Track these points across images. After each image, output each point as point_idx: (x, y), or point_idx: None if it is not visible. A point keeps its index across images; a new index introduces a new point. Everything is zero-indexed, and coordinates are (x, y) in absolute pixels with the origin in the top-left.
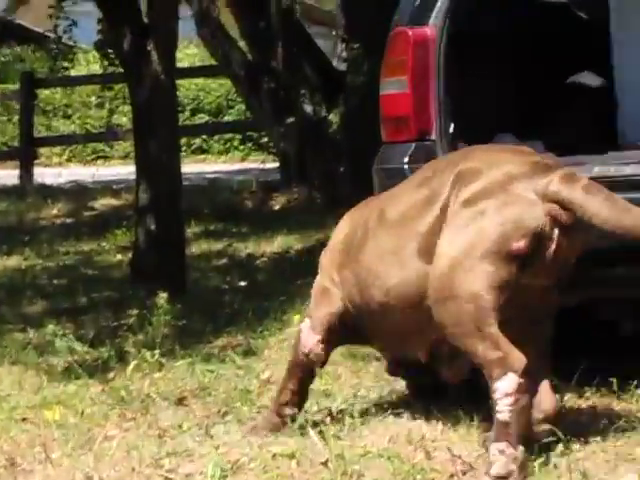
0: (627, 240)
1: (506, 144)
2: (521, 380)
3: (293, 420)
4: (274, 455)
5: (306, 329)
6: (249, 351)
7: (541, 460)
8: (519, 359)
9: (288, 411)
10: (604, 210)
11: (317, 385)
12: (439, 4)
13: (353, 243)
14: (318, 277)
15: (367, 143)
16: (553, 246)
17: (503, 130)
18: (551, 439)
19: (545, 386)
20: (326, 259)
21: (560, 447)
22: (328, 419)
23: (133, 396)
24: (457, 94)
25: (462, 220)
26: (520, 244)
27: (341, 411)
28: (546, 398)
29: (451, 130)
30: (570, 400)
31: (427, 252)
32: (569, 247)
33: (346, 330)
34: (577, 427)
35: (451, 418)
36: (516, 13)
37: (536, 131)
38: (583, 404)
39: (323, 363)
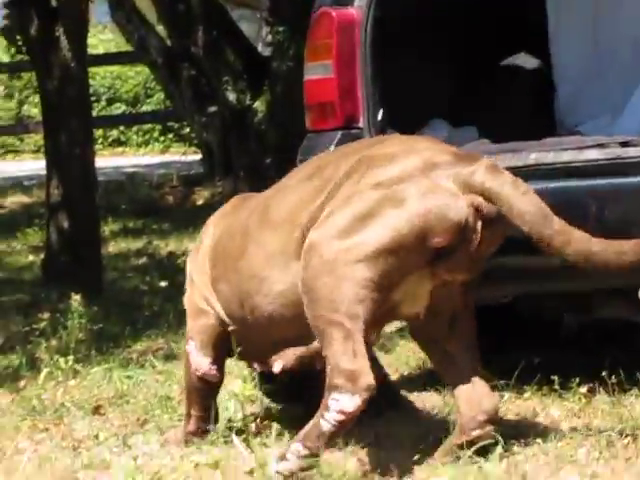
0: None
1: (438, 131)
2: (362, 406)
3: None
4: (197, 465)
5: (194, 352)
6: (170, 355)
7: (479, 463)
8: (370, 384)
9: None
10: (526, 207)
11: (242, 390)
12: None
13: (229, 252)
14: (188, 292)
15: (295, 133)
16: (476, 240)
17: (436, 116)
18: (489, 441)
19: (483, 385)
20: (195, 272)
21: (499, 449)
22: (253, 426)
23: (46, 405)
24: (385, 79)
25: (368, 204)
26: (440, 238)
27: (267, 417)
28: (486, 398)
29: (380, 117)
30: (509, 400)
31: None
32: (491, 240)
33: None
34: (517, 428)
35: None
36: None
37: (470, 117)
38: (523, 404)
39: (220, 381)
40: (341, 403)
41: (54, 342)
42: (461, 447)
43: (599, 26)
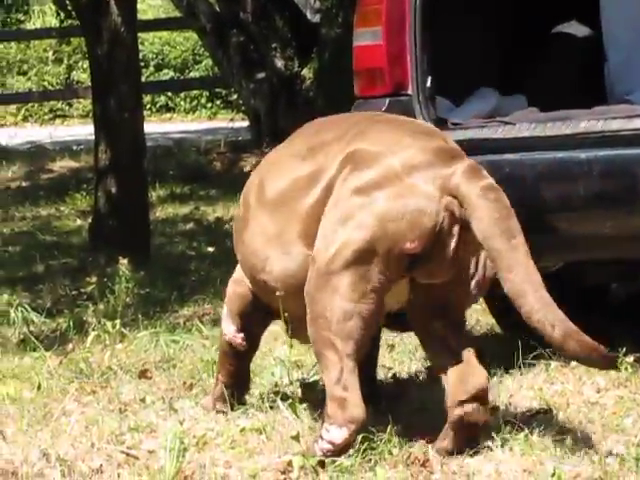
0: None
1: (487, 99)
2: (349, 438)
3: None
4: (242, 429)
5: (224, 318)
6: (217, 320)
7: (525, 432)
8: (357, 416)
9: (220, 406)
10: (484, 215)
11: (288, 356)
12: None
13: (238, 222)
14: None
15: (343, 99)
16: (453, 243)
17: (484, 84)
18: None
19: (472, 361)
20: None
21: (543, 418)
22: (299, 391)
23: (93, 369)
24: (435, 46)
25: (348, 210)
26: (414, 244)
27: (313, 382)
28: (475, 373)
29: (428, 84)
30: (555, 368)
31: (308, 236)
32: (470, 243)
33: (264, 312)
34: (563, 396)
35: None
36: None
37: (519, 85)
38: (569, 372)
39: (253, 347)
40: (331, 434)
41: (101, 306)
42: (455, 427)
43: None
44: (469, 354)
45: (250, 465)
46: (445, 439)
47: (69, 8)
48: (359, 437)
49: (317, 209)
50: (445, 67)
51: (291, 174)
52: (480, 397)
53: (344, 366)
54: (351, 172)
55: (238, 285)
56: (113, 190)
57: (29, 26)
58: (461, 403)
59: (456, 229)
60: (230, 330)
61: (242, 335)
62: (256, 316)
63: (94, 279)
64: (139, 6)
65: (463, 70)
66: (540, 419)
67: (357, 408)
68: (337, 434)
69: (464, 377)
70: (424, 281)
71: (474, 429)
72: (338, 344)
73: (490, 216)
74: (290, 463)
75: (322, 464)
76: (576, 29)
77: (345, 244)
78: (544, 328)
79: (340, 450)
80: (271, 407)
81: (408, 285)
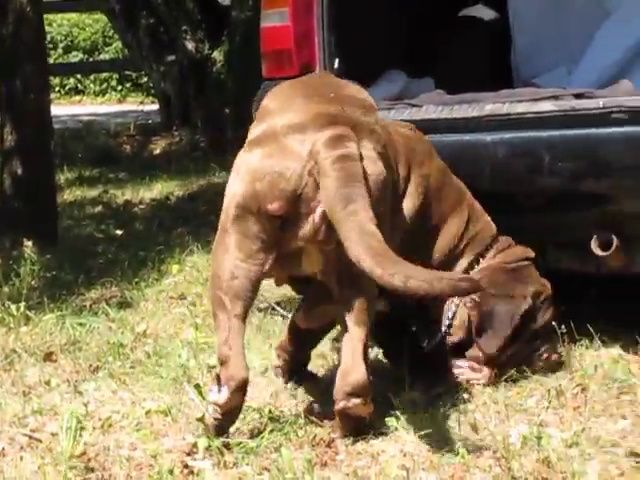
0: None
1: (395, 81)
2: (233, 397)
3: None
4: (148, 412)
5: None
6: (124, 303)
7: (430, 413)
8: (239, 374)
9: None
10: (328, 185)
11: (195, 338)
12: None
13: None
14: None
15: (253, 82)
16: (319, 208)
17: (393, 67)
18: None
19: (357, 354)
20: None
21: (449, 399)
22: (206, 374)
23: None
24: (342, 28)
25: (237, 164)
26: (275, 206)
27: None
28: (354, 371)
29: (336, 66)
30: None
31: None
32: None
33: None
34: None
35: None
36: None
37: (428, 68)
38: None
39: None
40: (214, 395)
41: (6, 289)
42: (339, 417)
43: None
44: (357, 344)
45: (154, 446)
46: (335, 427)
47: None
48: (265, 419)
49: None
50: (353, 49)
51: None
52: (359, 393)
53: (231, 326)
54: (251, 127)
55: None
56: (19, 172)
57: None
58: (342, 397)
59: (319, 195)
60: None
61: None
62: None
63: None
64: None
65: (371, 52)
66: (445, 400)
67: (237, 368)
68: (219, 394)
69: (346, 370)
70: (297, 244)
71: (358, 421)
72: (227, 303)
73: (332, 185)
74: (195, 445)
75: (227, 445)
76: (483, 12)
77: (230, 200)
78: (391, 283)
79: (224, 413)
80: (177, 389)
81: (320, 253)
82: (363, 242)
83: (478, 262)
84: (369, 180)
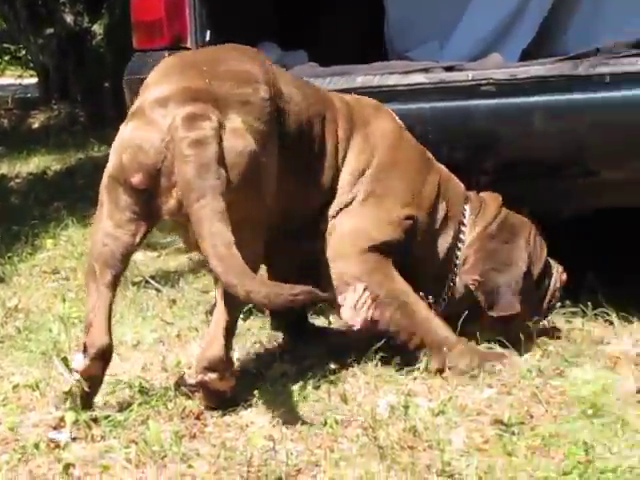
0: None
1: (267, 54)
2: (92, 364)
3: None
4: (16, 386)
5: None
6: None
7: (300, 384)
8: (98, 341)
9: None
10: (180, 169)
11: (66, 312)
12: None
13: None
14: None
15: (129, 55)
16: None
17: (266, 39)
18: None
19: (218, 328)
20: None
21: (320, 371)
22: (74, 347)
23: None
24: None
25: (116, 135)
26: (136, 179)
27: None
28: (213, 344)
29: (207, 38)
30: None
31: None
32: None
33: None
34: (339, 349)
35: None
36: None
37: (300, 39)
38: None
39: None
40: (76, 362)
41: None
42: (201, 390)
43: None
44: (220, 318)
45: (18, 420)
46: (200, 399)
47: None
48: (135, 392)
49: None
50: (225, 21)
51: None
52: (214, 368)
53: (99, 293)
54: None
55: None
56: None
57: None
58: (200, 371)
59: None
60: None
61: None
62: None
63: None
64: None
65: (243, 25)
66: (315, 371)
67: (99, 335)
68: (79, 361)
69: (206, 345)
70: (164, 217)
71: (218, 394)
72: (97, 271)
73: (185, 173)
74: (62, 419)
75: (95, 419)
76: None
77: (105, 171)
78: (235, 292)
79: (86, 380)
80: (47, 364)
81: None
82: (210, 243)
83: (462, 232)
84: (231, 156)
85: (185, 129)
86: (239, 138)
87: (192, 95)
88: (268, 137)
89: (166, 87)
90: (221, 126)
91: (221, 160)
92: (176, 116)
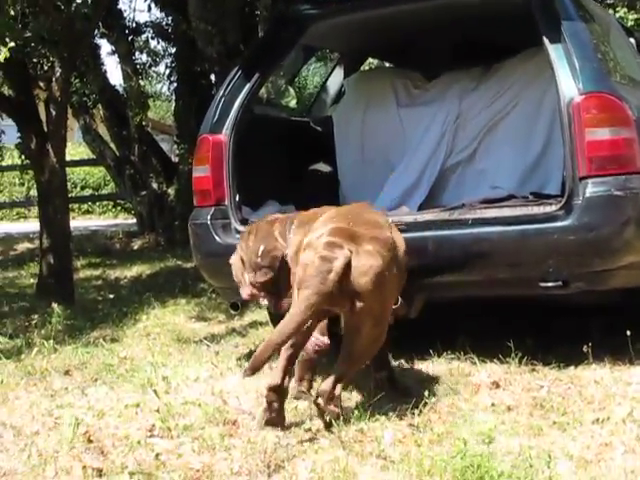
0: None
1: (271, 208)
2: None
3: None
4: (126, 405)
5: None
6: (113, 339)
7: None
8: None
9: None
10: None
11: (155, 360)
12: (228, 121)
13: None
14: None
15: (191, 207)
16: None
17: (271, 198)
18: None
19: None
20: None
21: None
22: (161, 381)
23: (36, 370)
24: (240, 177)
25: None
26: None
27: (168, 377)
28: None
29: (237, 199)
30: None
31: None
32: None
33: None
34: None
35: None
36: (277, 127)
37: (291, 199)
38: None
39: None
40: None
41: (43, 331)
42: None
43: (365, 143)
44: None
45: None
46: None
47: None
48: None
49: None
50: (247, 189)
51: None
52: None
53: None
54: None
55: None
56: (51, 261)
57: (4, 164)
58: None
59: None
60: None
61: None
62: None
63: (38, 316)
64: (70, 151)
65: (258, 191)
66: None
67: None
68: None
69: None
70: None
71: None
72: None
73: (299, 267)
74: (154, 425)
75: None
76: (322, 166)
77: None
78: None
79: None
80: (144, 391)
81: None
82: (287, 318)
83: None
84: (364, 269)
85: (321, 246)
86: (370, 257)
87: (336, 231)
88: (390, 260)
89: (323, 227)
90: (356, 251)
91: (355, 271)
92: (322, 235)
